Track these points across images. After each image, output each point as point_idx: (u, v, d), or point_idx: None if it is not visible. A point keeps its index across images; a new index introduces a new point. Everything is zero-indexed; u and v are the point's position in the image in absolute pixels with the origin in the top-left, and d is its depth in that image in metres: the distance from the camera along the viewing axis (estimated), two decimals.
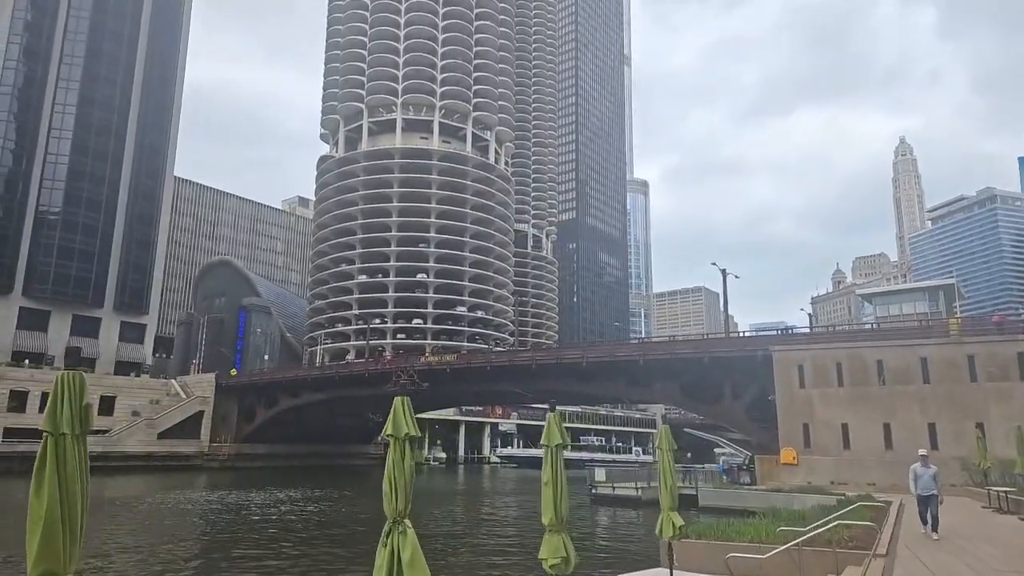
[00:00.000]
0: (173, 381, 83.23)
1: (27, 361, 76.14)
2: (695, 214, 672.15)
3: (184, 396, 79.35)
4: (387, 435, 4.94)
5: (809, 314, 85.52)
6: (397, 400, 5.06)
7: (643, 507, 36.38)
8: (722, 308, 49.70)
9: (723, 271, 51.41)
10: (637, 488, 38.03)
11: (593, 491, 39.41)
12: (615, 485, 39.18)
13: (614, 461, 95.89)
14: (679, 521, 9.51)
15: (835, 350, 40.11)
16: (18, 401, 68.98)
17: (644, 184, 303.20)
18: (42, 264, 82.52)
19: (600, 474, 40.13)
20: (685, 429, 58.14)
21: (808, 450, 39.26)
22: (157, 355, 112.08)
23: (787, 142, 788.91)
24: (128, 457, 68.63)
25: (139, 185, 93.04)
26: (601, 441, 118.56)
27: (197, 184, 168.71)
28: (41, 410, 70.75)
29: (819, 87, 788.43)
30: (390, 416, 4.98)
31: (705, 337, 46.64)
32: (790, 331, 50.87)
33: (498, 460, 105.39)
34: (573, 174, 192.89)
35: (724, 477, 38.94)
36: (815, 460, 38.77)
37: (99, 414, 74.21)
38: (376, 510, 34.74)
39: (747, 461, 44.89)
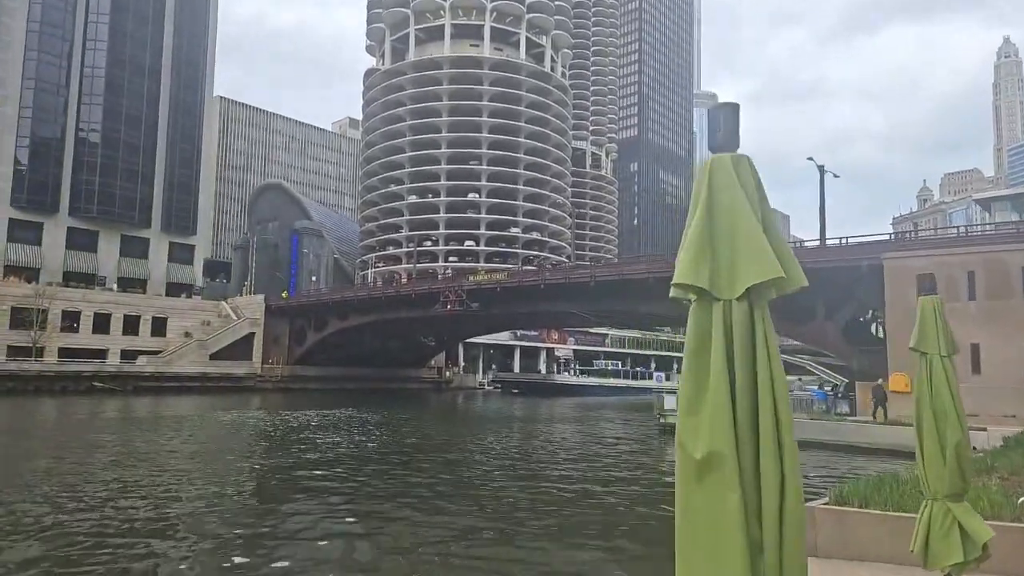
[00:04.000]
0: (224, 303, 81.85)
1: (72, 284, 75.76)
2: (771, 139, 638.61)
3: (235, 318, 77.91)
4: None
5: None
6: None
7: None
8: (819, 211, 42.33)
9: (820, 167, 43.78)
10: None
11: (662, 420, 34.27)
12: None
13: (628, 388, 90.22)
14: (979, 529, 3.93)
15: (967, 255, 32.81)
16: (71, 321, 68.58)
17: (713, 97, 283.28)
18: (86, 183, 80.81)
19: (670, 401, 34.83)
20: None
21: None
22: (217, 279, 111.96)
23: (872, 63, 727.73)
24: (181, 378, 67.81)
25: (179, 100, 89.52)
26: (615, 365, 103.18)
27: (247, 106, 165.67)
28: (94, 331, 70.79)
29: (909, 3, 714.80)
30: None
31: (797, 244, 39.78)
32: (907, 235, 43.22)
33: (492, 385, 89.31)
34: (635, 87, 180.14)
35: (822, 405, 32.94)
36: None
37: (152, 335, 73.88)
38: (430, 434, 30.65)
39: (842, 388, 38.72)
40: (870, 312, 40.35)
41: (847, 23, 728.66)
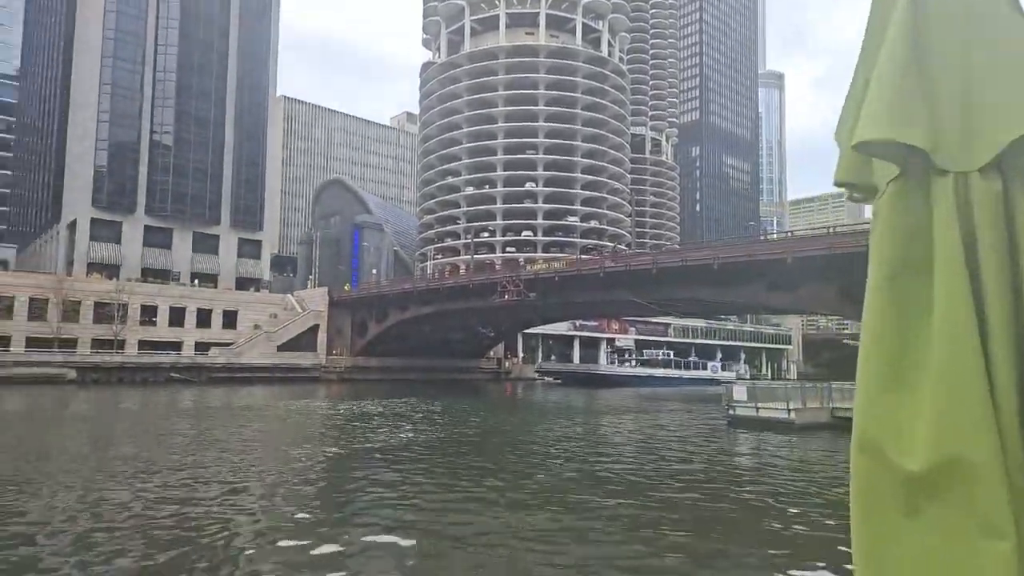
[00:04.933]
0: (290, 296, 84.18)
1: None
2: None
3: (300, 310, 79.98)
4: None
5: None
6: None
7: (795, 432, 29.53)
8: None
9: None
10: (789, 409, 31.00)
11: (732, 412, 32.88)
12: (759, 405, 32.32)
13: (680, 378, 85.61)
14: None
15: None
16: (149, 315, 71.72)
17: (779, 77, 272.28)
18: (161, 182, 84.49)
19: (739, 392, 33.38)
20: (846, 340, 49.19)
21: None
22: (284, 274, 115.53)
23: None
24: (251, 368, 70.09)
25: (244, 101, 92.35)
26: (667, 354, 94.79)
27: (310, 104, 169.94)
28: (170, 324, 74.05)
29: None
30: None
31: None
32: None
33: (537, 375, 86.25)
34: (697, 70, 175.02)
35: None
36: None
37: (223, 327, 76.58)
38: (492, 425, 30.23)
39: None
40: None
41: None
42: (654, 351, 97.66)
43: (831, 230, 43.79)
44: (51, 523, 12.04)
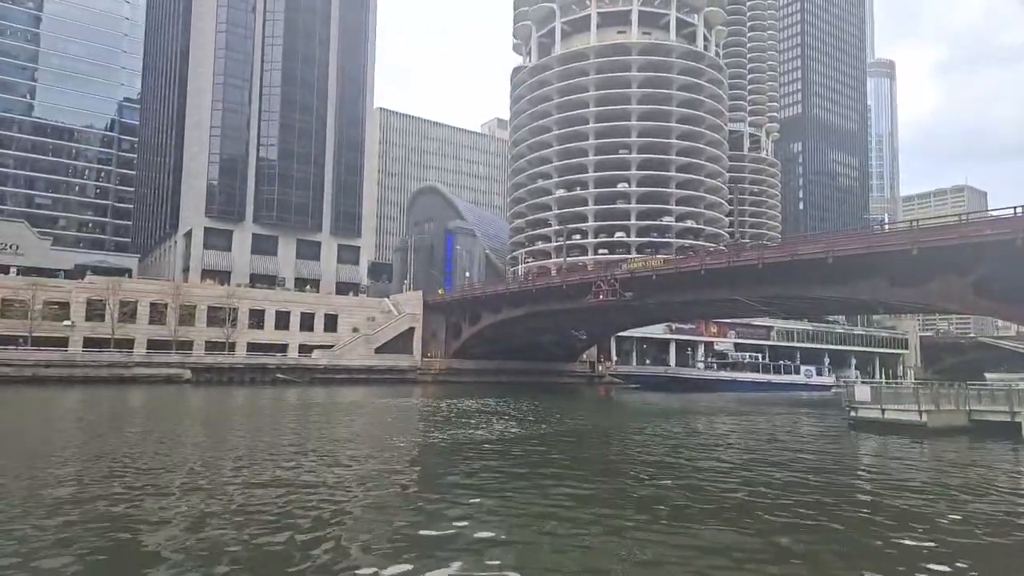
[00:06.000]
0: (386, 300, 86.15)
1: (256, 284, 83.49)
2: (965, 111, 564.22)
3: (396, 314, 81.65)
4: None
5: None
6: None
7: (929, 436, 26.48)
8: None
9: None
10: (921, 411, 27.92)
11: (853, 414, 30.06)
12: (884, 407, 29.33)
13: (768, 383, 78.95)
14: None
15: None
16: (256, 319, 75.01)
17: (889, 65, 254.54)
18: (266, 192, 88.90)
19: (862, 392, 30.48)
20: (982, 339, 44.20)
21: None
22: (380, 280, 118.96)
23: None
24: (351, 370, 72.20)
25: (344, 112, 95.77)
26: (754, 357, 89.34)
27: (403, 115, 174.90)
28: (276, 327, 77.43)
29: None
30: None
31: (1019, 213, 33.06)
32: None
33: (615, 379, 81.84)
34: (799, 61, 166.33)
35: None
36: None
37: (324, 331, 79.25)
38: (582, 425, 28.42)
39: None
40: None
41: None
42: (739, 353, 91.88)
43: (963, 218, 39.45)
44: (182, 507, 12.65)
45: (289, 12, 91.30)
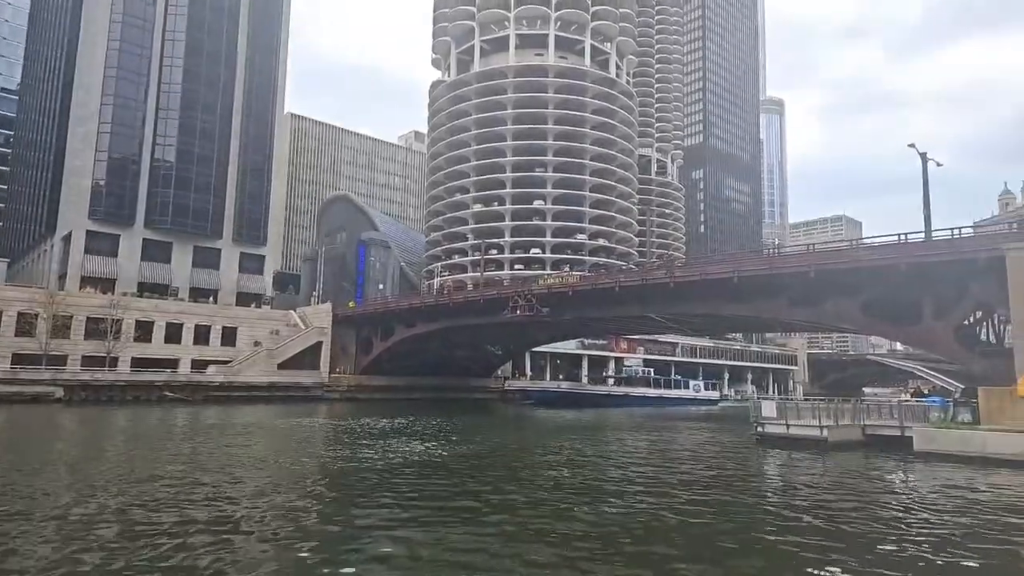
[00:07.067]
0: (292, 312, 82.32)
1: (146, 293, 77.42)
2: (844, 151, 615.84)
3: (303, 327, 78.10)
4: None
5: None
6: None
7: (829, 450, 27.68)
8: (922, 203, 38.15)
9: (923, 155, 39.49)
10: (822, 427, 29.13)
11: (759, 429, 31.03)
12: (789, 423, 30.44)
13: (661, 398, 78.94)
14: None
15: None
16: (144, 331, 69.26)
17: (779, 104, 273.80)
18: (161, 195, 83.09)
19: (768, 408, 31.57)
20: (869, 356, 47.31)
21: None
22: (287, 291, 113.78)
23: (947, 75, 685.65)
24: (250, 387, 67.71)
25: (251, 114, 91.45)
26: (646, 372, 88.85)
27: (316, 121, 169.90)
28: (166, 341, 71.57)
29: (984, 14, 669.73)
30: None
31: (902, 240, 35.73)
32: None
33: (513, 394, 79.40)
34: (700, 94, 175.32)
35: (946, 414, 29.08)
36: None
37: (221, 344, 74.40)
38: (496, 444, 28.19)
39: (959, 394, 34.71)
40: (997, 311, 35.90)
41: (918, 37, 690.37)
42: (633, 368, 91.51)
43: (854, 243, 42.19)
44: (45, 533, 11.71)
45: (194, 7, 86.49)
